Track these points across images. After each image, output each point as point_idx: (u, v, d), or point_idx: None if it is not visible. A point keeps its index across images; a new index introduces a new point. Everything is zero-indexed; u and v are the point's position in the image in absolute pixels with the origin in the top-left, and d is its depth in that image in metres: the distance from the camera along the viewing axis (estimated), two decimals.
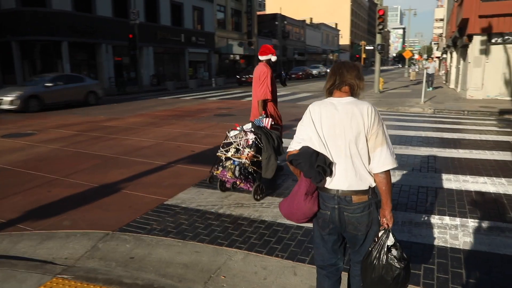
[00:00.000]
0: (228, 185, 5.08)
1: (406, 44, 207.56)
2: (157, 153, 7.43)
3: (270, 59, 5.51)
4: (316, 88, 26.89)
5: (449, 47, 26.24)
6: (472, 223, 4.07)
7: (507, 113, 12.87)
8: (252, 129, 4.89)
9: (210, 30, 40.11)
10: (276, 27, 59.34)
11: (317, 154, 2.10)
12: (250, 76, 37.34)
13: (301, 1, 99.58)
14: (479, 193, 5.02)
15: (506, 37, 15.58)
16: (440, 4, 63.09)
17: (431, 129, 9.92)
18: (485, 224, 4.05)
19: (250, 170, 4.81)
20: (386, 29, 19.78)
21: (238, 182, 4.91)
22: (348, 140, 2.08)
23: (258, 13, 59.92)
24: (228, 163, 4.89)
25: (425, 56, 72.31)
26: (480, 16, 15.67)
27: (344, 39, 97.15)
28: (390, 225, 2.14)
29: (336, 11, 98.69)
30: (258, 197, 4.82)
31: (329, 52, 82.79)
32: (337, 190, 2.11)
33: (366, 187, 2.11)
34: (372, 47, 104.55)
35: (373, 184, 2.13)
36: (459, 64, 20.90)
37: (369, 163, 2.11)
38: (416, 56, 67.23)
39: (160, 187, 5.41)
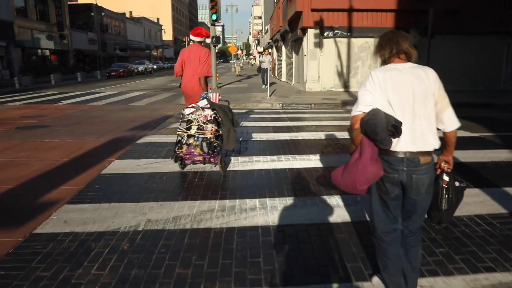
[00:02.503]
0: (188, 162, 5.15)
1: (226, 40, 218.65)
2: None
3: (204, 41, 5.68)
4: (148, 85, 24.19)
5: (277, 41, 26.95)
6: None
7: (348, 104, 13.03)
8: (209, 105, 5.00)
9: (6, 18, 32.57)
10: (92, 19, 53.22)
11: (388, 115, 2.09)
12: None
13: None
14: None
15: (336, 31, 16.09)
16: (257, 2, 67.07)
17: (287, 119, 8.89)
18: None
19: (215, 144, 4.93)
20: (220, 21, 18.48)
21: (206, 157, 4.90)
22: (417, 101, 2.13)
23: (70, 2, 52.77)
24: (191, 140, 4.94)
25: (257, 50, 75.80)
26: (313, 10, 15.77)
27: (167, 35, 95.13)
28: (451, 168, 2.35)
29: (157, 5, 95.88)
30: (225, 169, 5.08)
31: (152, 48, 79.58)
32: (405, 152, 2.14)
33: (432, 148, 2.17)
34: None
35: (437, 146, 2.18)
36: (291, 57, 21.28)
37: (434, 125, 2.18)
38: (239, 52, 70.06)
39: None
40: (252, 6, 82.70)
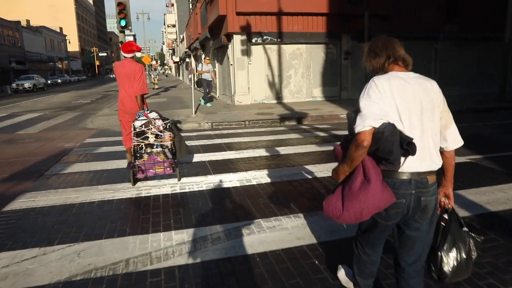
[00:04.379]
0: (149, 174, 5.04)
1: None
2: None
3: (135, 55, 5.55)
4: (47, 104, 20.57)
5: (196, 49, 24.88)
6: None
7: (287, 119, 11.48)
8: (159, 116, 5.20)
9: None
10: None
11: (399, 130, 1.86)
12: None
13: (10, 0, 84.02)
14: None
15: (265, 37, 14.53)
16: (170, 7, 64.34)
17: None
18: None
19: (174, 151, 5.07)
20: (130, 27, 16.00)
21: (168, 164, 4.99)
22: (425, 115, 1.94)
23: None
24: (153, 150, 5.01)
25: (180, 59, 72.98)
26: (238, 13, 14.05)
27: (73, 46, 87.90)
28: (452, 204, 2.16)
29: (59, 14, 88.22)
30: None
31: (56, 60, 72.74)
32: (413, 173, 1.92)
33: (437, 168, 1.99)
34: (105, 54, 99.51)
35: (440, 165, 2.01)
36: (214, 67, 19.34)
37: (439, 142, 2.02)
38: (154, 62, 66.55)
39: None
40: (165, 14, 79.57)
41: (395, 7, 15.11)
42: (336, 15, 14.82)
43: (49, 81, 53.02)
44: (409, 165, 1.90)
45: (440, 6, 16.20)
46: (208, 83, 15.02)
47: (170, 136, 5.09)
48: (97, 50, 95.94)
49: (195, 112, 12.43)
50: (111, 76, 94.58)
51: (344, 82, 15.81)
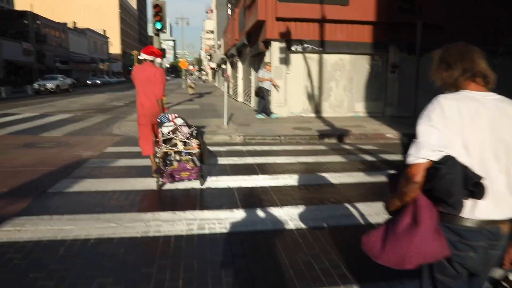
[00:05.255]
0: (177, 179, 5.04)
1: (178, 55, 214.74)
2: None
3: (155, 60, 5.55)
4: (81, 105, 20.34)
5: (233, 56, 24.17)
6: None
7: (326, 136, 10.38)
8: (185, 123, 5.24)
9: None
10: (27, 27, 48.08)
11: (464, 167, 1.52)
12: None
13: (60, 3, 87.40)
14: None
15: (306, 45, 13.50)
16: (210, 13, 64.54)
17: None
18: None
19: (200, 158, 5.14)
20: (165, 31, 15.43)
21: (195, 171, 5.03)
22: (503, 150, 1.57)
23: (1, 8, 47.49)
24: (178, 157, 5.03)
25: (217, 65, 73.42)
26: (278, 19, 13.11)
27: (115, 48, 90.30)
28: None
29: (104, 17, 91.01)
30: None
31: (99, 61, 74.67)
32: (485, 221, 1.56)
33: None
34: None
35: None
36: (249, 75, 18.50)
37: None
38: (191, 67, 66.91)
39: None
40: (204, 20, 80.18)
41: (448, 17, 13.71)
42: (383, 24, 13.60)
43: (88, 81, 54.21)
44: (481, 211, 1.56)
45: (500, 18, 14.64)
46: (266, 93, 13.10)
47: (197, 144, 5.11)
48: (137, 53, 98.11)
49: (227, 123, 11.52)
50: None
51: (389, 97, 14.51)
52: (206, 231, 3.77)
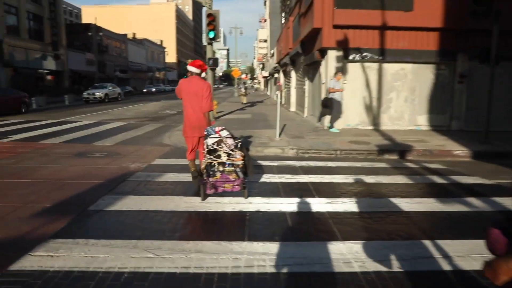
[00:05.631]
0: (219, 190, 5.01)
1: (231, 64, 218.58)
2: None
3: (201, 73, 5.65)
4: (136, 113, 20.75)
5: (286, 65, 23.71)
6: None
7: (386, 151, 9.52)
8: (230, 135, 5.25)
9: None
10: (91, 39, 50.86)
11: None
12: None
13: (121, 15, 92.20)
14: None
15: (364, 54, 12.70)
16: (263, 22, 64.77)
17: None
18: None
19: (244, 170, 5.12)
20: (218, 40, 15.26)
21: (238, 183, 5.03)
22: None
23: (70, 23, 50.63)
24: (225, 168, 5.00)
25: (271, 73, 73.89)
26: (335, 27, 12.44)
27: (171, 57, 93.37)
28: None
29: (161, 28, 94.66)
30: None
31: (155, 70, 77.45)
32: None
33: None
34: None
35: None
36: (303, 85, 17.90)
37: None
38: (244, 76, 67.41)
39: None
40: (257, 30, 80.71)
41: None
42: (452, 31, 12.49)
43: (144, 90, 56.13)
44: None
45: None
46: (336, 104, 12.18)
47: (242, 156, 5.08)
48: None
49: (279, 135, 10.99)
50: None
51: (456, 110, 13.28)
52: (255, 270, 3.21)
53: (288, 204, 5.05)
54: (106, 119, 17.63)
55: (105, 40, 54.24)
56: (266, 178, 6.54)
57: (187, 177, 6.27)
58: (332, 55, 12.77)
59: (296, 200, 5.25)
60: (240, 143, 5.19)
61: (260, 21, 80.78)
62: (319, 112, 12.84)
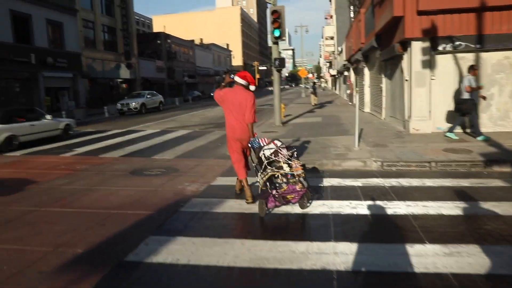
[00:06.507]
0: (271, 205, 4.88)
1: (296, 64, 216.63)
2: None
3: (247, 86, 5.52)
4: (202, 118, 20.19)
5: (357, 62, 21.82)
6: None
7: (496, 163, 7.59)
8: (284, 145, 5.11)
9: (74, 49, 31.62)
10: (160, 47, 52.41)
11: None
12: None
13: (189, 22, 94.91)
14: None
15: (457, 43, 10.67)
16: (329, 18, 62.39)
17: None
18: None
19: (305, 179, 4.98)
20: (284, 38, 14.01)
21: (302, 193, 4.87)
22: None
23: (141, 32, 52.68)
24: (285, 179, 4.81)
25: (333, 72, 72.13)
26: (420, 13, 10.59)
27: (237, 60, 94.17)
28: None
29: (227, 32, 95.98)
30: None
31: (221, 73, 78.35)
32: None
33: None
34: (265, 67, 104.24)
35: None
36: (379, 83, 16.04)
37: None
38: (310, 75, 65.53)
39: None
40: (323, 27, 78.31)
41: None
42: None
43: (211, 93, 56.68)
44: None
45: None
46: (471, 104, 9.60)
47: (301, 165, 4.94)
48: (258, 64, 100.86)
49: (358, 143, 9.44)
50: (269, 88, 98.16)
51: None
52: None
53: (379, 255, 3.63)
54: (171, 127, 17.19)
55: (174, 47, 55.56)
56: (351, 207, 5.14)
57: (254, 207, 5.11)
58: (417, 47, 10.92)
59: (392, 248, 3.81)
60: (296, 152, 5.04)
61: (325, 18, 78.37)
62: (457, 120, 10.11)
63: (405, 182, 6.50)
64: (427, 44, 10.85)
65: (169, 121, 20.42)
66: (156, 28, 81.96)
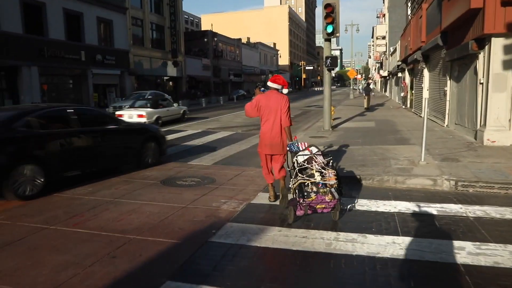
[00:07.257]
0: (300, 213, 4.59)
1: (344, 64, 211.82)
2: None
3: (280, 90, 5.49)
4: (245, 119, 19.24)
5: (416, 62, 19.98)
6: None
7: None
8: (319, 152, 4.98)
9: (123, 47, 31.86)
10: (207, 45, 52.31)
11: None
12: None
13: (237, 21, 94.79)
14: None
15: None
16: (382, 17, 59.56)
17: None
18: None
19: (340, 189, 4.83)
20: (338, 35, 12.68)
21: (333, 204, 4.61)
22: None
23: (188, 30, 52.95)
24: (315, 188, 4.65)
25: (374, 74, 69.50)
26: (505, 4, 8.96)
27: (283, 59, 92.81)
28: None
29: (274, 31, 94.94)
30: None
31: (267, 73, 77.40)
32: None
33: None
34: (312, 67, 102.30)
35: None
36: (443, 85, 14.31)
37: None
38: (358, 76, 63.11)
39: None
40: (374, 27, 75.26)
41: None
42: None
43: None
44: None
45: None
46: None
47: (335, 175, 4.64)
48: (304, 64, 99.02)
49: (424, 156, 8.00)
50: (315, 89, 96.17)
51: None
52: None
53: None
54: (213, 127, 16.39)
55: (220, 45, 55.29)
56: (433, 252, 3.88)
57: (298, 239, 4.00)
58: (499, 44, 9.28)
59: None
60: (332, 161, 4.86)
61: (377, 17, 75.23)
62: None
63: (491, 211, 5.12)
64: (510, 41, 9.19)
65: (211, 121, 19.69)
66: (205, 27, 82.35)
